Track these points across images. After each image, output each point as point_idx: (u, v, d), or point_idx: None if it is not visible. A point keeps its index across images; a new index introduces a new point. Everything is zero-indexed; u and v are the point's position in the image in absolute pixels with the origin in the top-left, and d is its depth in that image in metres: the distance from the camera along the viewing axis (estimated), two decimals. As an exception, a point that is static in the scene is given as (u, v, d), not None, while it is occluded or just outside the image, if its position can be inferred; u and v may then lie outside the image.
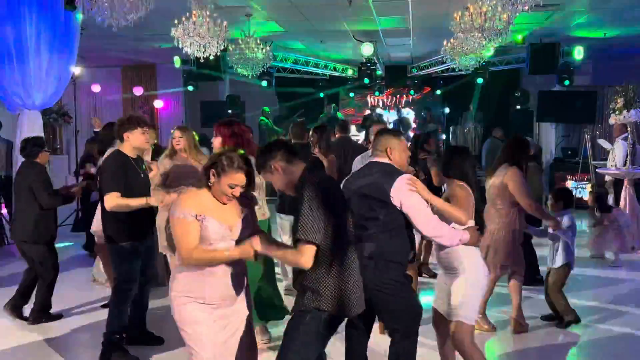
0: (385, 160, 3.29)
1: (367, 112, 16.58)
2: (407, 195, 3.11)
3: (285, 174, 2.78)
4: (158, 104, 14.66)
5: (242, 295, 2.91)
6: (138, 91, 14.53)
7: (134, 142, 4.05)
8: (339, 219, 2.73)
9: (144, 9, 6.07)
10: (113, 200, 3.90)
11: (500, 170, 4.56)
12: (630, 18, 9.69)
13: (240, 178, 2.74)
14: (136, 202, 3.95)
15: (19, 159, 7.38)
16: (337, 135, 6.91)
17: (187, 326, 2.75)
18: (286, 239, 5.14)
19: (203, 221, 2.69)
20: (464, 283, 3.30)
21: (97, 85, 14.21)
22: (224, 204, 2.78)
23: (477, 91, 14.04)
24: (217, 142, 4.24)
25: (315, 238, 2.59)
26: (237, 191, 2.75)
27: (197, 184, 2.85)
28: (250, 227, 2.89)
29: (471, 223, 3.32)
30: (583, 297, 5.56)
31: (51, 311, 5.12)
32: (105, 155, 4.30)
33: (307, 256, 2.60)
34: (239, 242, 2.79)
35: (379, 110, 16.12)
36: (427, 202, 3.17)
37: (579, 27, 10.73)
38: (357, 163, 5.08)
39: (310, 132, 5.86)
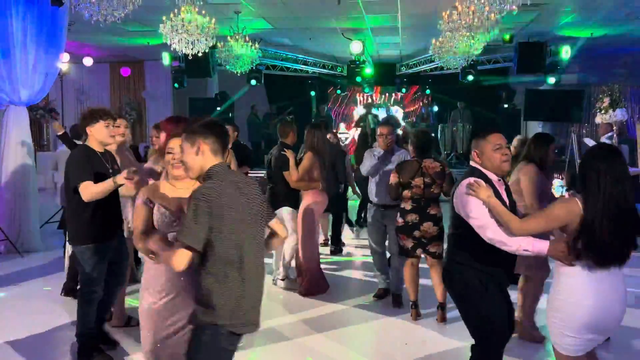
0: (474, 163, 3.11)
1: (355, 110, 16.66)
2: (463, 201, 2.97)
3: (200, 159, 2.49)
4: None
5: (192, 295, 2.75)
6: (126, 72, 14.48)
7: (97, 135, 3.91)
8: (239, 230, 2.45)
9: (131, 5, 6.04)
10: (89, 190, 3.72)
11: (519, 166, 4.40)
12: (616, 18, 9.79)
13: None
14: (105, 185, 3.70)
15: (4, 155, 7.34)
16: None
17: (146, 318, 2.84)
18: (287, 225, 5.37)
19: (153, 207, 2.80)
20: (550, 302, 2.89)
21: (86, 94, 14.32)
22: (172, 156, 2.82)
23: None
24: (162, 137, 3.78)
25: (192, 242, 2.37)
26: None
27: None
28: None
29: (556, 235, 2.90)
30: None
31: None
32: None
33: (180, 259, 2.39)
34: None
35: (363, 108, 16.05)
36: (485, 204, 2.90)
37: (566, 27, 10.83)
38: (366, 160, 5.41)
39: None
